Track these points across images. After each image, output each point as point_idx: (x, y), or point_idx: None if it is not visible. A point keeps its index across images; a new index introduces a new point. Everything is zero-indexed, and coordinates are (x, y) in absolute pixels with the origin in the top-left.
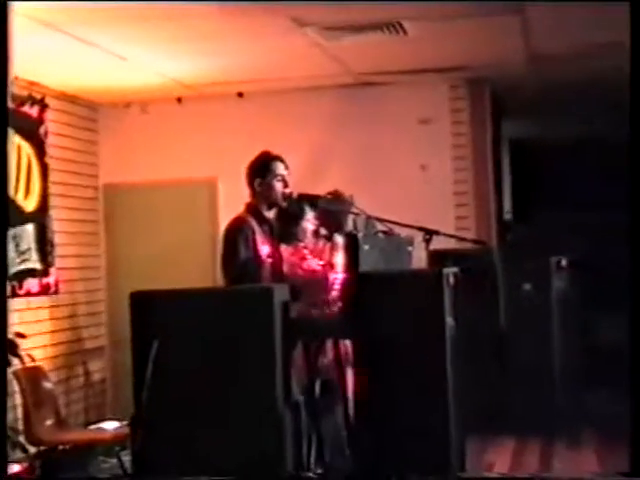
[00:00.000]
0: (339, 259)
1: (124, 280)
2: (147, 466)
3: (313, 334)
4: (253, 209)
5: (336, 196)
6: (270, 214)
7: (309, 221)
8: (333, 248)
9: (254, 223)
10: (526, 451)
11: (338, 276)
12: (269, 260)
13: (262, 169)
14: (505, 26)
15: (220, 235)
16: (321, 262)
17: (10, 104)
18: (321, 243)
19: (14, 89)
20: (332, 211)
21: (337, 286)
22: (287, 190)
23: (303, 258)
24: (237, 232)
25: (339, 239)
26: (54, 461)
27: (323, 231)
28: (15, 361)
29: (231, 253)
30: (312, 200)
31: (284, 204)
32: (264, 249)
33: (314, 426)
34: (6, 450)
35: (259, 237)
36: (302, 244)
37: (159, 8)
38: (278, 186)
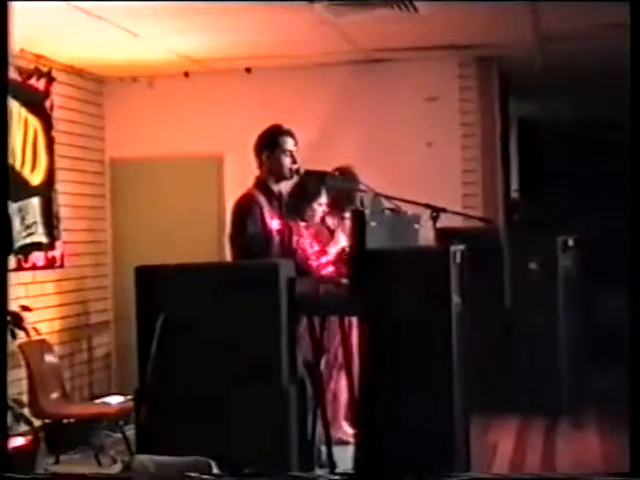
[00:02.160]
0: (335, 247)
1: (130, 254)
2: (151, 441)
3: (319, 310)
4: (262, 183)
5: (343, 173)
6: (279, 188)
7: (321, 205)
8: (334, 235)
9: (262, 198)
10: (530, 430)
11: (326, 259)
12: (278, 235)
13: (271, 142)
14: (514, 5)
15: (226, 211)
16: (316, 246)
17: (16, 77)
18: (324, 229)
19: (21, 62)
20: (340, 188)
21: (326, 270)
22: (294, 166)
23: (300, 235)
24: (245, 207)
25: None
26: (58, 434)
27: (329, 221)
28: (21, 334)
29: (239, 229)
30: (319, 176)
31: (291, 179)
32: (273, 224)
33: (319, 402)
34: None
35: (268, 212)
36: (304, 223)
37: None
38: (286, 161)
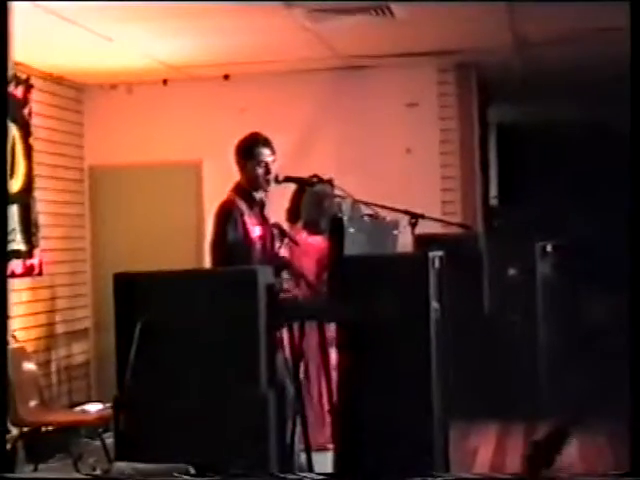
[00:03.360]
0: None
1: (109, 262)
2: (130, 448)
3: (297, 316)
4: (242, 190)
5: (322, 179)
6: (259, 195)
7: None
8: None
9: (243, 205)
10: (510, 435)
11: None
12: (259, 241)
13: (246, 153)
14: (492, 11)
15: (205, 217)
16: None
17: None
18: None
19: None
20: (319, 195)
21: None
22: (269, 176)
23: None
24: (226, 214)
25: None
26: (37, 442)
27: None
28: None
29: (220, 235)
30: (298, 182)
31: (267, 188)
32: (255, 230)
33: (299, 408)
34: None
35: (249, 219)
36: None
37: None
38: (259, 171)
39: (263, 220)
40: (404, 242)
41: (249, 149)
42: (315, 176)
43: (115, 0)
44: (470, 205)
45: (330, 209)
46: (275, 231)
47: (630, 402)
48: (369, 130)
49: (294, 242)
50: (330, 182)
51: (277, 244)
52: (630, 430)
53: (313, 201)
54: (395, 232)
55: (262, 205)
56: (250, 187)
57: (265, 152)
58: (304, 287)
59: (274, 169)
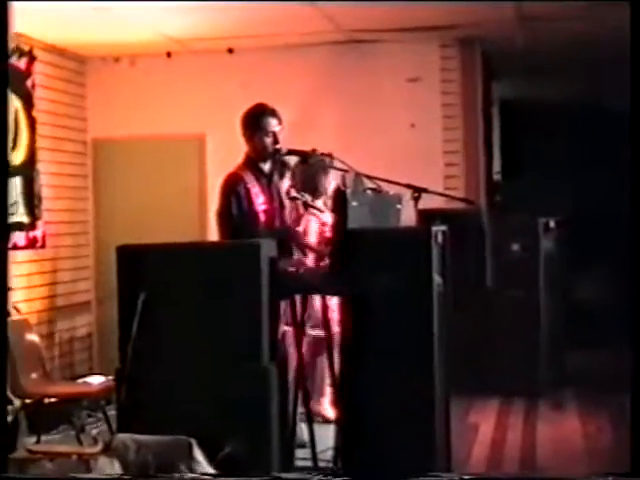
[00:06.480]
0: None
1: (111, 234)
2: (132, 420)
3: (300, 289)
4: (250, 161)
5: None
6: (266, 166)
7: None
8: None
9: (250, 176)
10: (510, 411)
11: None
12: (264, 213)
13: (253, 123)
14: None
15: (208, 190)
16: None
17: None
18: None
19: None
20: (321, 168)
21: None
22: (277, 146)
23: None
24: (230, 188)
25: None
26: (39, 414)
27: (294, 193)
28: None
29: (224, 209)
30: (301, 155)
31: (273, 158)
32: (261, 202)
33: (300, 381)
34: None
35: (255, 189)
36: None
37: None
38: (267, 142)
39: (270, 192)
40: (407, 216)
41: (256, 120)
42: (324, 154)
43: None
44: (473, 180)
45: (328, 182)
46: (298, 201)
47: (630, 402)
48: (372, 104)
49: (320, 210)
50: (330, 155)
51: (299, 214)
52: (630, 430)
53: (312, 174)
54: (398, 206)
55: (270, 177)
56: (258, 158)
57: (273, 122)
58: (309, 259)
59: (281, 139)
